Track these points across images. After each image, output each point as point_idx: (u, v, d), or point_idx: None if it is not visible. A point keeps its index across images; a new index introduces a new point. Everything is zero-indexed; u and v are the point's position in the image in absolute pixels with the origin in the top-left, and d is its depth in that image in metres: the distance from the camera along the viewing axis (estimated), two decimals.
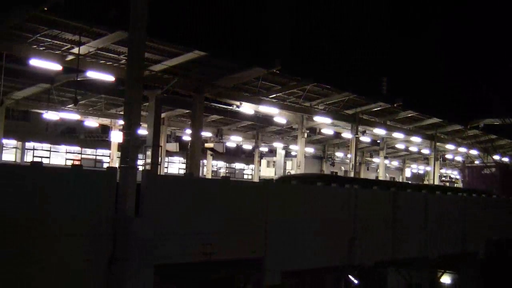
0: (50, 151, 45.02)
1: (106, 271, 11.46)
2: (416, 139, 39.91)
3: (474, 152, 46.36)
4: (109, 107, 36.86)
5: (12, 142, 41.85)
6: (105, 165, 42.74)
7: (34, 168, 10.78)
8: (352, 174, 34.73)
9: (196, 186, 13.47)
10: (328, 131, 40.98)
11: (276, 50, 23.70)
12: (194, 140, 26.35)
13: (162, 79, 24.38)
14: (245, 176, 60.71)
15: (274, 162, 55.16)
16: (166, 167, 48.29)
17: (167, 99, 28.04)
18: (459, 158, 54.48)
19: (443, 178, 67.96)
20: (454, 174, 71.94)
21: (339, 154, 58.94)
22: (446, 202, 24.07)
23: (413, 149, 51.10)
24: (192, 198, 13.29)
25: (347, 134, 37.23)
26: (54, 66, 21.44)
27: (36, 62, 20.72)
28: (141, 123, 13.21)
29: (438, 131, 40.89)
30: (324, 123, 34.62)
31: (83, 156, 46.85)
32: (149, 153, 25.73)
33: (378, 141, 45.56)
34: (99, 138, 50.03)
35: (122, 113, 13.04)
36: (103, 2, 15.35)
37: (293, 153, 53.30)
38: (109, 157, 44.57)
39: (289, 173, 46.98)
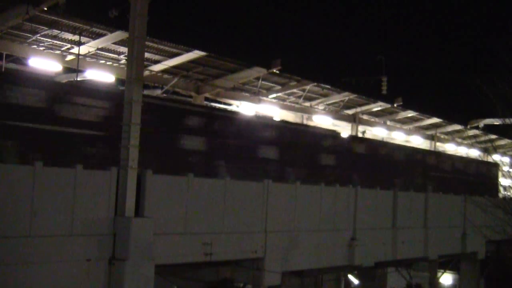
0: None
1: (106, 271, 11.46)
2: (416, 139, 39.88)
3: (474, 152, 46.39)
4: None
5: None
6: None
7: (34, 168, 10.77)
8: None
9: (196, 186, 13.46)
10: None
11: (276, 50, 23.72)
12: None
13: (162, 79, 24.39)
14: None
15: None
16: None
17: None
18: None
19: None
20: None
21: None
22: (446, 202, 24.09)
23: None
24: (192, 198, 13.29)
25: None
26: (54, 66, 21.44)
27: (36, 62, 20.73)
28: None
29: (438, 131, 40.88)
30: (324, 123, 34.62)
31: None
32: None
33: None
34: None
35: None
36: (103, 2, 15.36)
37: None
38: None
39: None
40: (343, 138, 23.48)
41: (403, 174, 25.22)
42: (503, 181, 32.79)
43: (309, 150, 20.43)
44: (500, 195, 18.16)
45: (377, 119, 36.21)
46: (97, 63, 22.33)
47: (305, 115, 32.03)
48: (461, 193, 25.01)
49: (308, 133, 21.33)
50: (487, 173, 33.51)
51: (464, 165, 31.95)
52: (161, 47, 21.38)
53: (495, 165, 35.01)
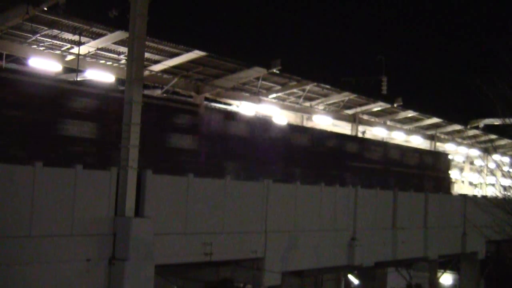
0: None
1: (106, 271, 11.46)
2: (416, 139, 39.90)
3: (474, 152, 46.42)
4: None
5: None
6: None
7: (34, 168, 10.77)
8: None
9: (196, 186, 13.46)
10: None
11: (276, 50, 23.72)
12: None
13: (162, 79, 24.39)
14: None
15: None
16: None
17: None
18: (461, 158, 54.38)
19: None
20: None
21: None
22: (447, 202, 24.10)
23: None
24: (192, 198, 13.29)
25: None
26: (54, 66, 21.45)
27: (36, 62, 20.73)
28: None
29: (438, 131, 40.89)
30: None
31: None
32: None
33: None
34: None
35: None
36: (103, 2, 15.38)
37: None
38: None
39: None
40: (210, 115, 17.86)
41: (309, 164, 21.01)
42: (453, 174, 29.76)
43: (150, 127, 14.58)
44: (500, 195, 18.08)
45: (377, 119, 36.21)
46: (97, 63, 22.33)
47: (305, 115, 32.05)
48: (393, 188, 21.54)
49: (149, 105, 14.54)
50: (434, 165, 29.63)
51: (401, 155, 27.54)
52: (161, 47, 21.39)
53: (445, 156, 32.28)
